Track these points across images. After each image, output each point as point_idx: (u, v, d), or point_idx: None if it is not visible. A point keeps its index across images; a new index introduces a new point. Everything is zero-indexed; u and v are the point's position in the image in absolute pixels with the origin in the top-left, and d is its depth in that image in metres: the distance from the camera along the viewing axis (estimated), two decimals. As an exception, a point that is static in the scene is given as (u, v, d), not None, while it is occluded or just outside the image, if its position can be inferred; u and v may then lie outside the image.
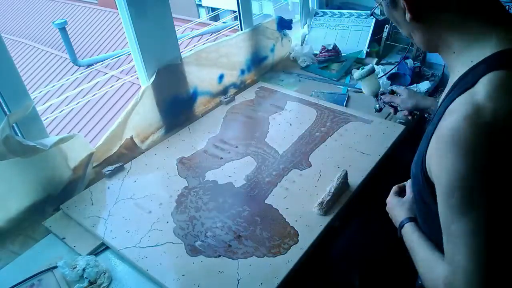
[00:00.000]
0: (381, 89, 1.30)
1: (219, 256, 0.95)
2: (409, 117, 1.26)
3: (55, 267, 0.97)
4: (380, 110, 1.33)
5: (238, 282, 0.89)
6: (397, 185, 0.87)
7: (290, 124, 1.43)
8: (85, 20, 6.38)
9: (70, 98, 4.27)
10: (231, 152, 1.31)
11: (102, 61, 4.66)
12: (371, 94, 1.30)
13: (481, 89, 0.54)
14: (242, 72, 1.71)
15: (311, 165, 1.23)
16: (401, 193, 0.85)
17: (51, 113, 3.91)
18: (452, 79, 0.62)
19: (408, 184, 0.84)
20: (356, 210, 1.21)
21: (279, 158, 1.27)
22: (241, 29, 1.70)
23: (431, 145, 0.59)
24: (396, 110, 1.29)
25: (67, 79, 4.66)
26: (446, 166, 0.55)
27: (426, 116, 1.29)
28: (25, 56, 5.69)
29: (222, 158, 1.29)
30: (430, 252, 0.66)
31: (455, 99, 0.56)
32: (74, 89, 4.39)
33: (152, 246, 0.99)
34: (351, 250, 1.41)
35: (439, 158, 0.56)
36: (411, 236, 0.72)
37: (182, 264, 0.94)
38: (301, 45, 1.96)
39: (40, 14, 7.07)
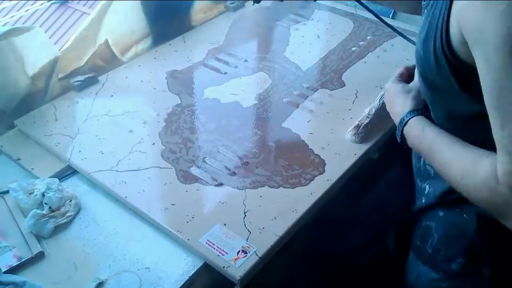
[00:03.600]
0: None
1: (221, 184, 0.90)
2: None
3: (6, 191, 0.93)
4: None
5: (245, 215, 0.84)
6: (404, 67, 0.82)
7: (318, 36, 1.36)
8: None
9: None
10: (239, 66, 1.24)
11: None
12: None
13: None
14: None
15: (345, 85, 1.17)
16: (408, 78, 0.81)
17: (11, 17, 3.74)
18: None
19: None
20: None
21: (302, 75, 1.21)
22: None
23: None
24: None
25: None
26: (495, 15, 0.50)
27: None
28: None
29: (226, 73, 1.22)
30: (461, 146, 0.61)
31: None
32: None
33: (133, 170, 0.94)
34: (387, 202, 1.36)
35: (484, 6, 0.51)
36: (425, 133, 0.67)
37: (172, 192, 0.89)
38: None
39: None
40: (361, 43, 1.32)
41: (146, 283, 0.77)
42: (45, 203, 0.88)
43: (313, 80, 1.19)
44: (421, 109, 0.72)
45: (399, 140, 0.74)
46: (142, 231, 0.85)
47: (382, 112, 1.03)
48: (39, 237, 0.84)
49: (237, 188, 0.90)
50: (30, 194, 0.91)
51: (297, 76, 1.20)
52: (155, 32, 1.38)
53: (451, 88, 0.62)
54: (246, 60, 1.27)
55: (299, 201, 0.87)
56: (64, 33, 4.36)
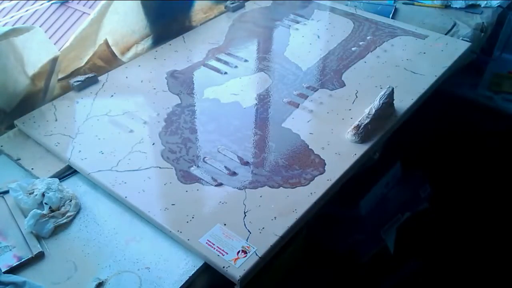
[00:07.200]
0: None
1: (221, 184, 0.90)
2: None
3: (6, 191, 0.92)
4: None
5: (245, 215, 0.84)
6: None
7: (318, 37, 1.36)
8: None
9: None
10: (239, 66, 1.24)
11: None
12: None
13: None
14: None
15: (345, 85, 1.17)
16: None
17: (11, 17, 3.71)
18: None
19: None
20: (400, 145, 1.15)
21: (302, 75, 1.21)
22: None
23: None
24: None
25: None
26: None
27: None
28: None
29: (226, 73, 1.22)
30: None
31: None
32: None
33: (133, 170, 0.94)
34: (387, 202, 1.36)
35: None
36: None
37: (172, 192, 0.89)
38: None
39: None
40: (361, 43, 1.32)
41: (146, 283, 0.76)
42: (45, 203, 0.88)
43: (313, 80, 1.19)
44: None
45: None
46: (142, 231, 0.85)
47: (382, 112, 1.03)
48: (39, 237, 0.84)
49: (237, 188, 0.90)
50: (30, 194, 0.91)
51: (297, 76, 1.20)
52: (155, 32, 1.38)
53: None
54: (246, 60, 1.27)
55: (299, 201, 0.87)
56: (64, 33, 4.36)
